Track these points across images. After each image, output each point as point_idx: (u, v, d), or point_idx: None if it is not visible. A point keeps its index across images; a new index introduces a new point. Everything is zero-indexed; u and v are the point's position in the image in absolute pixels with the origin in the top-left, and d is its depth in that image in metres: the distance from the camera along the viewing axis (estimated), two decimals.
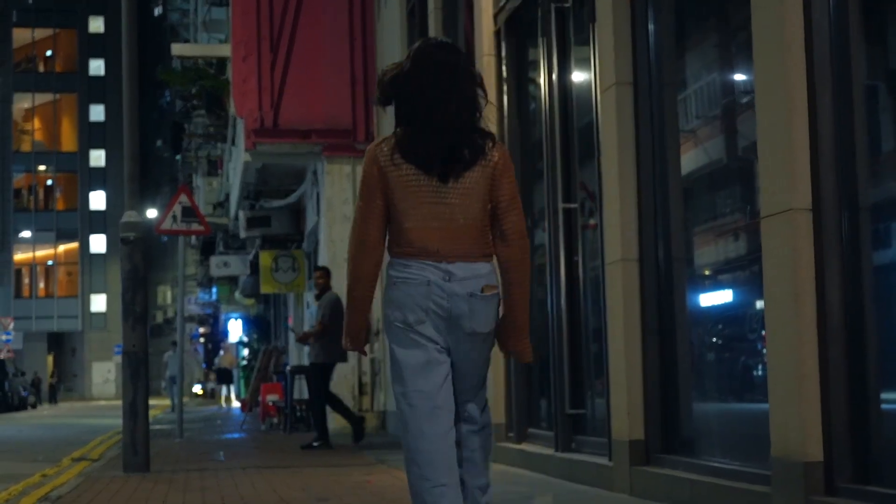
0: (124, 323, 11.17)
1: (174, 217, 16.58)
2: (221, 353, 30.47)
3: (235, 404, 37.26)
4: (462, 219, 4.39)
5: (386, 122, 17.62)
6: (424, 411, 4.37)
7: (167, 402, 37.71)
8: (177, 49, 31.97)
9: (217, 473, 10.52)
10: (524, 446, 10.29)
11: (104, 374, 75.25)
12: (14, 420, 31.39)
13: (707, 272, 7.76)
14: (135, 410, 11.03)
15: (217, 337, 43.77)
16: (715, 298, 7.60)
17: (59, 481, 10.47)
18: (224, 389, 29.79)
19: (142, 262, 11.24)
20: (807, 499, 5.58)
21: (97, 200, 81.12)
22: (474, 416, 4.57)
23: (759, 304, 6.45)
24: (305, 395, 17.72)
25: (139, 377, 11.07)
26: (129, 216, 11.34)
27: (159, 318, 75.49)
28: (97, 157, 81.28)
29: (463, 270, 4.39)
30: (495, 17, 11.13)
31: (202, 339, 47.43)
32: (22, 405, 45.30)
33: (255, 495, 8.26)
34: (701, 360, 7.70)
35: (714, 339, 7.64)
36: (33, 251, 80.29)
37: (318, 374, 14.36)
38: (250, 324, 39.00)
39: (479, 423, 4.59)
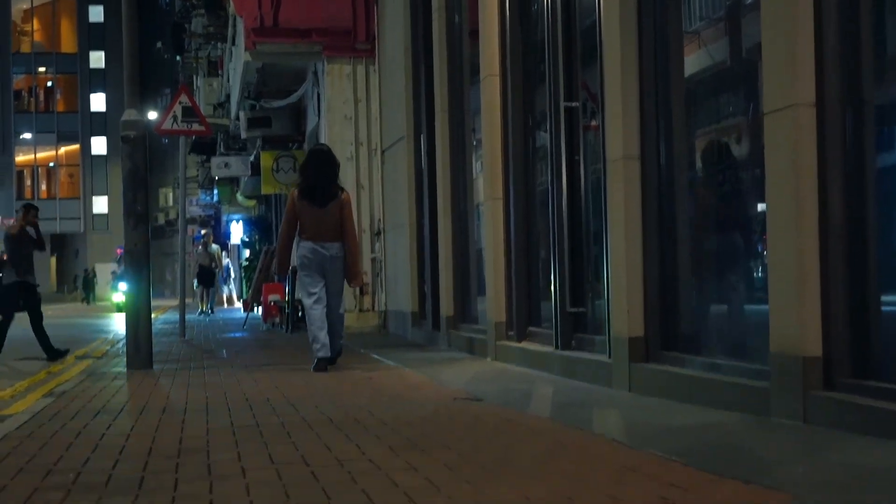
0: (126, 222, 11.18)
1: (175, 117, 16.52)
2: (200, 248, 30.10)
3: (234, 306, 37.42)
4: (329, 224, 10.41)
5: (386, 24, 17.47)
6: (315, 301, 10.40)
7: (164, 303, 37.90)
8: None
9: (219, 371, 10.60)
10: (524, 344, 10.35)
11: (107, 276, 75.30)
12: (18, 320, 31.55)
13: (709, 173, 7.73)
14: (137, 308, 11.08)
15: (220, 239, 43.82)
16: (717, 199, 7.59)
17: (63, 378, 10.56)
18: (203, 293, 29.40)
19: (142, 161, 11.22)
20: (805, 394, 5.62)
21: (97, 102, 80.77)
22: (334, 307, 10.54)
23: (761, 206, 6.44)
24: None
25: (141, 276, 11.10)
26: (128, 115, 11.29)
27: (161, 219, 75.48)
28: (97, 59, 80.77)
29: (329, 246, 10.41)
30: None
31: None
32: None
33: (257, 392, 8.33)
34: (701, 260, 7.71)
35: (715, 240, 7.65)
36: (34, 153, 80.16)
37: None
38: (252, 225, 39.00)
39: (336, 312, 10.57)
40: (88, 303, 57.28)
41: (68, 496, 4.34)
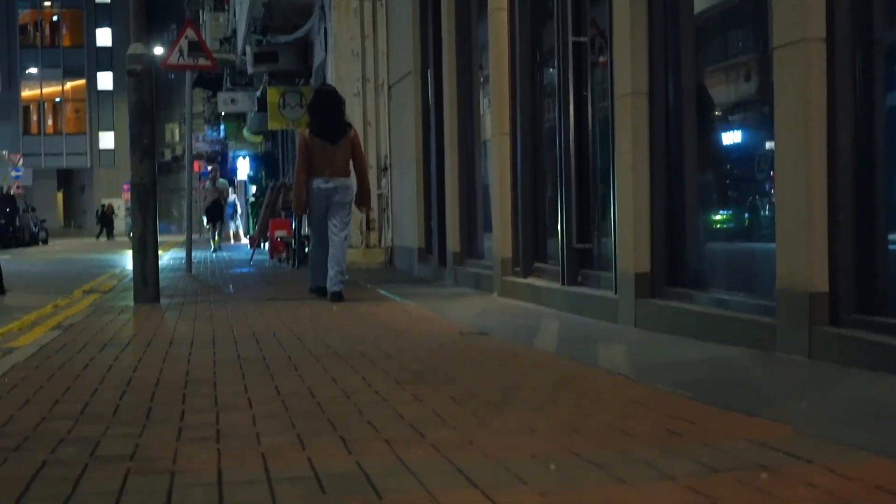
0: (132, 156, 11.15)
1: (181, 52, 16.44)
2: (209, 184, 29.86)
3: (240, 242, 37.46)
4: (339, 160, 10.97)
5: None
6: (320, 231, 11.10)
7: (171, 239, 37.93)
8: None
9: (226, 305, 10.63)
10: (531, 280, 10.36)
11: (113, 211, 75.39)
12: (26, 255, 31.68)
13: (717, 110, 7.69)
14: (144, 243, 11.09)
15: (227, 175, 43.74)
16: (725, 137, 7.55)
17: (71, 311, 10.60)
18: (212, 229, 29.26)
19: (148, 95, 11.17)
20: (811, 329, 5.63)
21: (103, 37, 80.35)
22: (337, 239, 10.92)
23: (769, 144, 6.41)
24: None
25: (148, 210, 11.10)
26: (134, 48, 11.23)
27: (167, 155, 75.37)
28: None
29: (337, 181, 10.95)
30: None
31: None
32: (33, 240, 45.65)
33: (263, 325, 8.36)
34: (708, 196, 7.69)
35: (722, 177, 7.62)
36: (40, 88, 79.91)
37: None
38: (258, 161, 38.94)
39: (340, 242, 10.92)
40: (108, 238, 57.29)
41: (76, 426, 4.36)
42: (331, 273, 10.72)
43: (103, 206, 62.82)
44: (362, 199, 11.30)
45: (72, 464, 3.65)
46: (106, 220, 59.97)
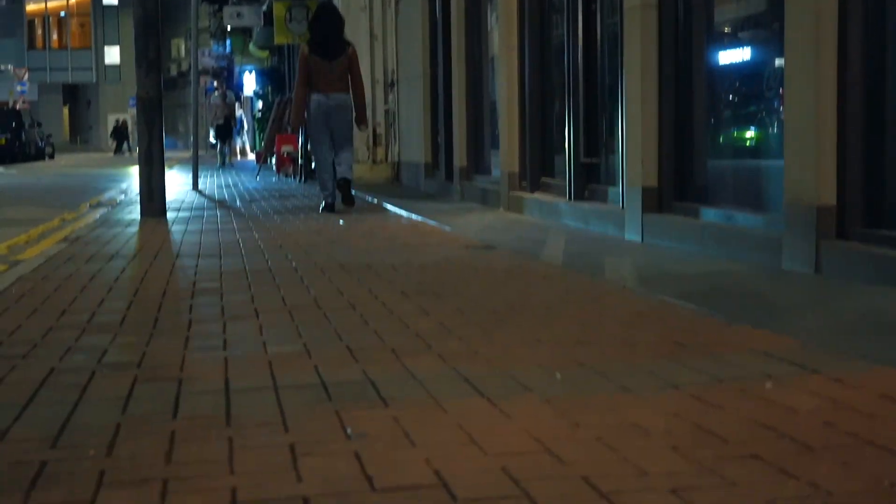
0: (138, 69, 11.09)
1: None
2: (215, 97, 29.60)
3: (247, 158, 37.39)
4: (337, 76, 11.10)
5: None
6: (323, 148, 11.26)
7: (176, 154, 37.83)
8: None
9: (232, 219, 10.63)
10: (537, 195, 10.34)
11: (128, 126, 75.14)
12: (32, 170, 31.64)
13: (727, 25, 7.62)
14: (150, 156, 11.07)
15: (233, 90, 43.53)
16: (734, 53, 7.48)
17: (77, 225, 10.60)
18: (222, 145, 29.03)
19: (154, 8, 11.08)
20: (818, 243, 5.62)
21: None
22: (343, 155, 11.20)
23: (779, 60, 6.35)
24: None
25: (154, 124, 11.06)
26: None
27: (173, 71, 74.94)
28: None
29: (336, 97, 11.09)
30: None
31: (217, 93, 47.18)
32: (39, 155, 45.57)
33: (269, 238, 8.36)
34: (717, 111, 7.64)
35: (731, 91, 7.57)
36: (45, 2, 79.26)
37: None
38: (264, 76, 38.69)
39: (345, 158, 11.21)
40: (128, 152, 57.04)
41: (83, 335, 4.38)
42: (341, 170, 11.25)
43: (118, 121, 62.58)
44: (360, 117, 11.45)
45: (79, 371, 3.67)
46: (120, 134, 59.76)
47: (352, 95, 11.26)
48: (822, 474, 2.41)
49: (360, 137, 17.71)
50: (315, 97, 11.10)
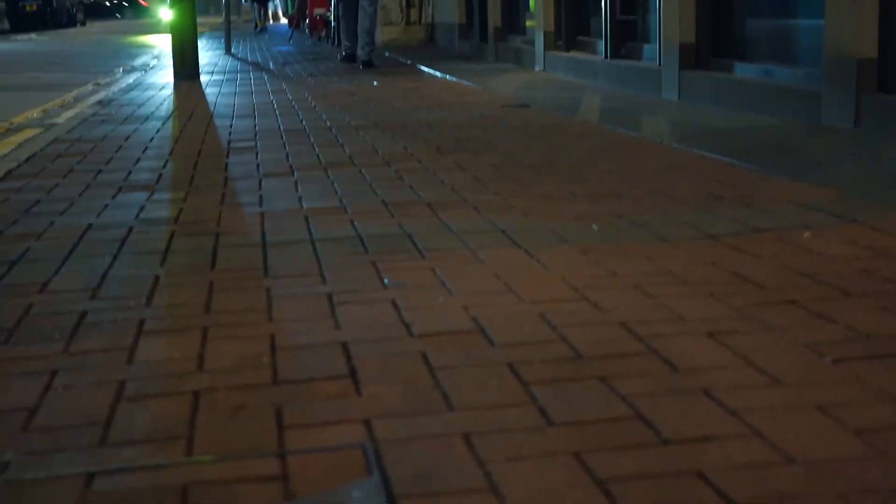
0: None
1: None
2: None
3: (279, 22, 37.07)
4: None
5: None
6: (350, 16, 12.32)
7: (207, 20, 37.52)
8: None
9: (265, 81, 10.57)
10: (573, 54, 10.21)
11: None
12: (64, 37, 31.51)
13: None
14: (182, 21, 10.98)
15: None
16: None
17: (111, 89, 10.58)
18: (257, 9, 28.72)
19: None
20: (858, 96, 5.54)
21: None
22: (364, 12, 11.85)
23: None
24: None
25: None
26: None
27: None
28: None
29: None
30: None
31: None
32: (71, 22, 45.34)
33: (303, 99, 8.32)
34: None
35: None
36: None
37: None
38: None
39: (368, 10, 11.92)
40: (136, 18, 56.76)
41: (119, 193, 4.39)
42: (360, 43, 12.01)
43: None
44: None
45: (117, 227, 3.69)
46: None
47: None
48: (860, 319, 2.40)
49: None
50: None
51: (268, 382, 2.09)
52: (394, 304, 2.62)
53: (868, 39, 5.54)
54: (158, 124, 6.92)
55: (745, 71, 7.01)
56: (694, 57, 7.56)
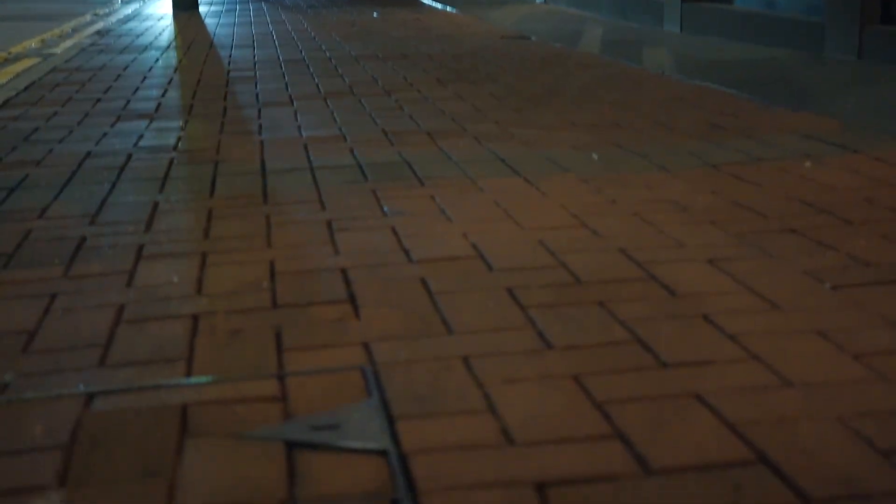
0: None
1: None
2: None
3: None
4: None
5: None
6: None
7: None
8: None
9: (265, 12, 10.50)
10: None
11: None
12: None
13: None
14: None
15: None
16: None
17: (110, 19, 10.50)
18: None
19: None
20: (862, 28, 5.50)
21: None
22: None
23: None
24: None
25: None
26: None
27: None
28: None
29: None
30: None
31: None
32: None
33: (303, 30, 8.26)
34: None
35: None
36: None
37: None
38: None
39: None
40: None
41: (118, 121, 4.37)
42: None
43: None
44: None
45: (116, 154, 3.67)
46: None
47: None
48: (860, 247, 2.40)
49: None
50: None
51: (267, 306, 2.08)
52: (393, 231, 2.62)
53: None
54: (157, 54, 6.87)
55: (747, 2, 6.96)
56: None
